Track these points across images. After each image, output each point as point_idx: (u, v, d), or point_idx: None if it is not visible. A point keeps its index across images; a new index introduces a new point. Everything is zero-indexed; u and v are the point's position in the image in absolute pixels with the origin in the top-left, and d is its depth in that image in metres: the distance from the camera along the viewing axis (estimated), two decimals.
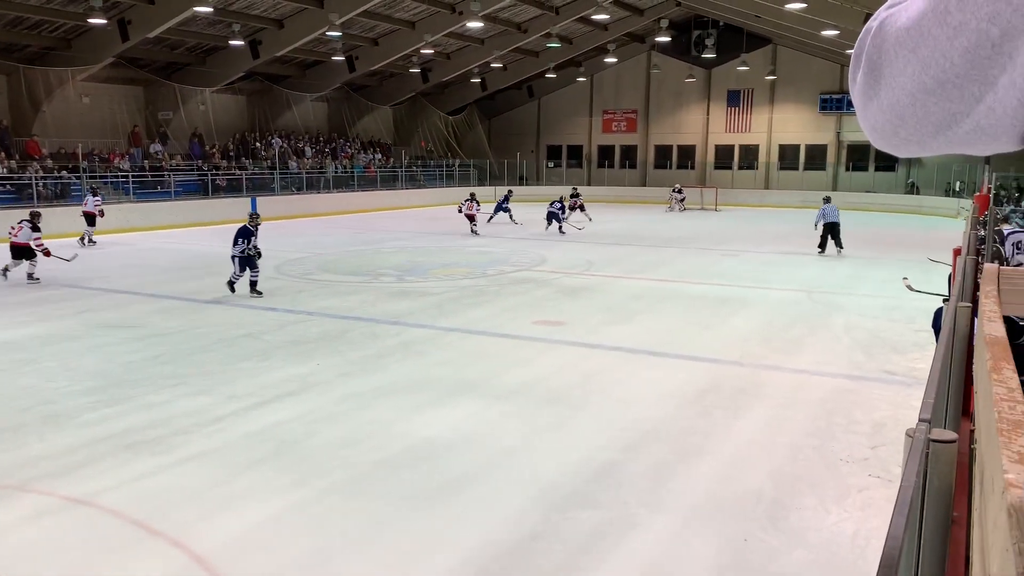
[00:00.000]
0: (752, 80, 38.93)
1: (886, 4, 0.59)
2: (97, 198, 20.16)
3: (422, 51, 32.73)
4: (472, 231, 23.25)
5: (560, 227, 23.61)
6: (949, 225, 26.47)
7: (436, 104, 41.72)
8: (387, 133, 40.46)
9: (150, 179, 26.87)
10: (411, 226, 25.76)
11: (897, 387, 8.17)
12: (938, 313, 6.98)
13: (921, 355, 9.09)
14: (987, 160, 33.94)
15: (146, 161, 27.67)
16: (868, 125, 0.61)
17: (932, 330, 7.68)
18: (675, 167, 41.96)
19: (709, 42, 38.78)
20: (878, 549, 3.87)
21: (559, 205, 24.22)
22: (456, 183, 39.65)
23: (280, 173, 30.88)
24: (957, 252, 6.54)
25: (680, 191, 34.59)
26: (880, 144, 0.62)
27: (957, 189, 33.54)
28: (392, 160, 38.33)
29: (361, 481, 5.77)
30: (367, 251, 19.26)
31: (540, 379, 8.38)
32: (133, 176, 26.01)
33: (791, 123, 39.31)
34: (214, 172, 28.50)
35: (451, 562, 4.63)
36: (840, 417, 7.24)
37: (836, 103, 37.86)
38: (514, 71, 40.05)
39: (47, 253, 13.85)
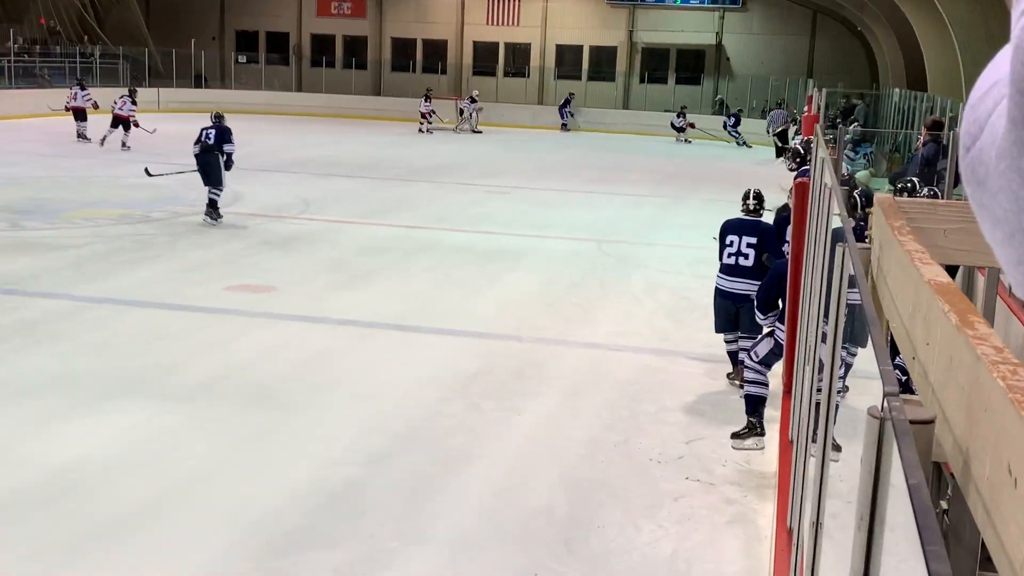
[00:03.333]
0: None
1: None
2: (86, 92, 25.67)
3: None
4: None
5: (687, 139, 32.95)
6: (767, 154, 28.98)
7: None
8: None
9: None
10: (30, 144, 23.92)
11: (712, 364, 8.83)
12: (780, 267, 7.36)
13: None
14: (809, 73, 37.49)
15: None
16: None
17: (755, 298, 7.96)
18: (420, 69, 42.36)
19: None
20: (702, 573, 4.13)
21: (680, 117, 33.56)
22: (98, 81, 37.15)
23: None
24: (803, 185, 7.12)
25: (476, 101, 34.56)
26: None
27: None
28: None
29: None
30: None
31: (240, 369, 8.22)
32: None
33: (571, 17, 40.96)
34: None
35: None
36: (647, 404, 7.73)
37: None
38: None
39: (136, 124, 23.20)
